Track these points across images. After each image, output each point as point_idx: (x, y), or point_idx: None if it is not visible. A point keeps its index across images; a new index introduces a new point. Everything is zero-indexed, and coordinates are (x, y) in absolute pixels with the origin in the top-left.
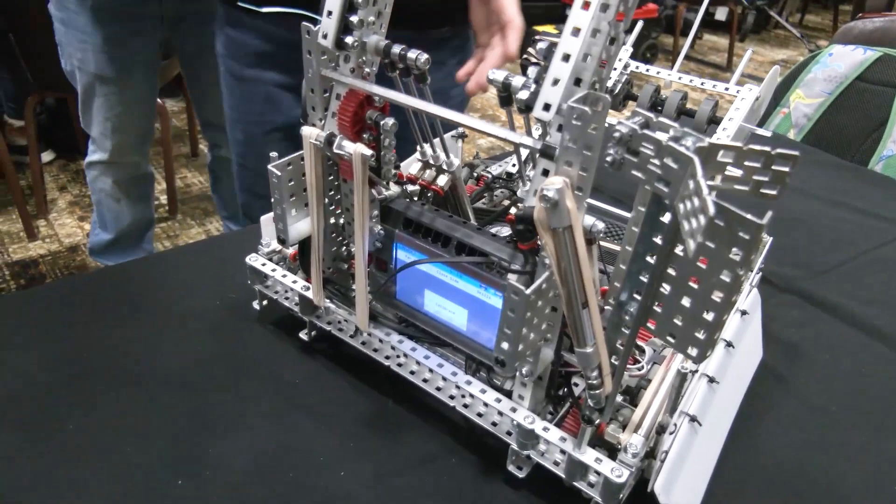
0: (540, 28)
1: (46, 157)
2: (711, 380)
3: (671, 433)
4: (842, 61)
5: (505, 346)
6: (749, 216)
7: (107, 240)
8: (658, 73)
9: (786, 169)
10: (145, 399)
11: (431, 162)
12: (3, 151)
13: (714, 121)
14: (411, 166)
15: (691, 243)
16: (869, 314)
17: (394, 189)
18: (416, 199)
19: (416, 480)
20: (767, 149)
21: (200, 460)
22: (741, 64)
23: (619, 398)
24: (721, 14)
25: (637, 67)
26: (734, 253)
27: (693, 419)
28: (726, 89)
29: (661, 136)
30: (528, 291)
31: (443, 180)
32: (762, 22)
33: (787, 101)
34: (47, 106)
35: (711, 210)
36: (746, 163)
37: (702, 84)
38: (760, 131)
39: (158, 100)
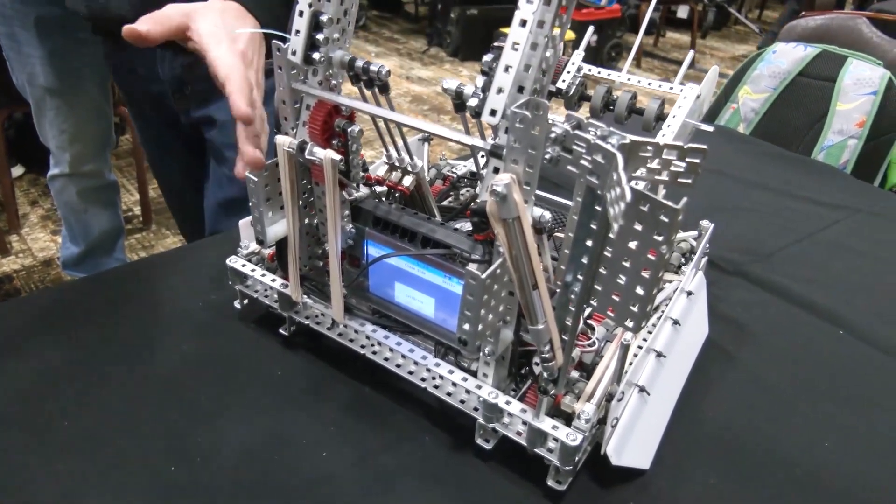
0: (505, 30)
1: (16, 171)
2: (659, 354)
3: (619, 400)
4: (784, 58)
5: (466, 326)
6: (667, 202)
7: (78, 252)
8: (609, 74)
9: (697, 160)
10: (136, 396)
11: (397, 164)
12: None
13: (661, 118)
14: (379, 168)
15: (615, 226)
16: (808, 292)
17: (363, 190)
18: (384, 198)
19: (394, 459)
20: (680, 143)
21: (192, 449)
22: (683, 66)
23: (575, 373)
24: (682, 12)
25: (590, 70)
26: (657, 234)
27: (642, 389)
28: (671, 89)
29: (590, 136)
30: (483, 276)
31: (408, 181)
32: (722, 19)
33: (735, 96)
34: (15, 120)
35: (629, 197)
36: (664, 156)
37: (649, 84)
38: (704, 126)
39: (129, 111)
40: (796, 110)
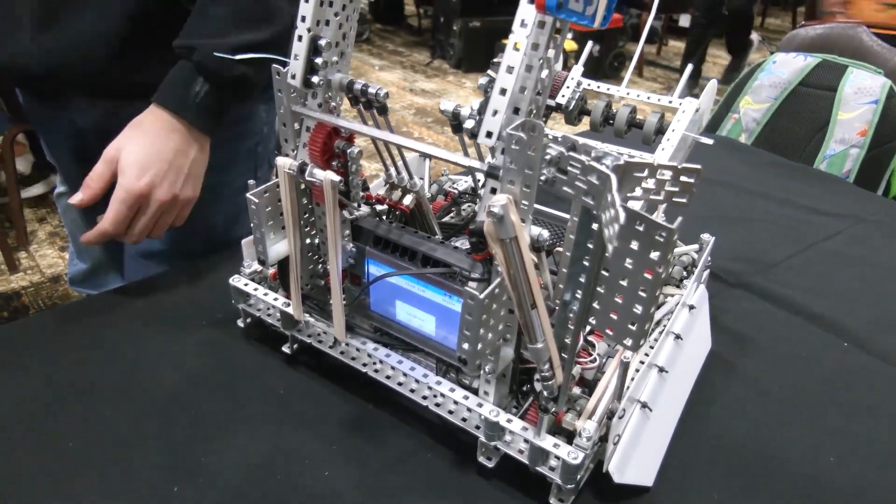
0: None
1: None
2: (661, 370)
3: (620, 417)
4: (785, 68)
5: (466, 346)
6: (663, 222)
7: (85, 269)
8: (608, 89)
9: (692, 180)
10: (140, 413)
11: (397, 183)
12: None
13: (660, 131)
14: (379, 187)
15: (610, 247)
16: (811, 302)
17: (364, 209)
18: (384, 217)
19: (396, 477)
20: (674, 164)
21: (195, 467)
22: (682, 79)
23: (577, 390)
24: (685, 21)
25: (589, 84)
26: (653, 254)
27: (644, 405)
28: (669, 102)
29: (585, 157)
30: (482, 296)
31: (408, 199)
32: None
33: (737, 107)
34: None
35: (622, 219)
36: (658, 176)
37: (648, 98)
38: (703, 139)
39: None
40: (798, 120)
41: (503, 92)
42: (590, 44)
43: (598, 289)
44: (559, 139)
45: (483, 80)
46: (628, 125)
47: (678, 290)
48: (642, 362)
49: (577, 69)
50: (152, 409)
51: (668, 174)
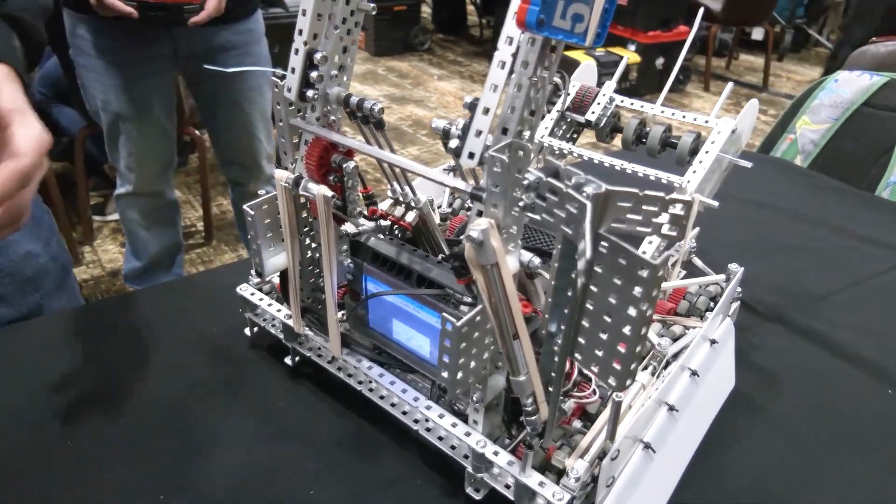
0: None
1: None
2: (671, 408)
3: (613, 459)
4: (848, 87)
5: (445, 374)
6: (646, 257)
7: (139, 266)
8: (642, 106)
9: (681, 212)
10: (139, 422)
11: (401, 199)
12: (52, 184)
13: (695, 152)
14: (386, 202)
15: (580, 282)
16: (855, 343)
17: (368, 224)
18: (387, 233)
19: (383, 501)
20: (661, 194)
21: (186, 480)
22: (720, 99)
23: (577, 424)
24: (757, 34)
25: (622, 101)
26: (636, 290)
27: (647, 446)
28: (706, 122)
29: (563, 185)
30: (459, 324)
31: (410, 216)
32: (801, 40)
33: (793, 127)
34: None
35: (588, 254)
36: (644, 207)
37: (683, 117)
38: (741, 162)
39: (196, 131)
40: (859, 143)
41: (486, 111)
42: (625, 59)
43: (584, 322)
44: (543, 164)
45: (468, 98)
46: (662, 144)
47: (700, 323)
48: (648, 397)
49: (610, 85)
50: (152, 416)
51: (654, 205)
